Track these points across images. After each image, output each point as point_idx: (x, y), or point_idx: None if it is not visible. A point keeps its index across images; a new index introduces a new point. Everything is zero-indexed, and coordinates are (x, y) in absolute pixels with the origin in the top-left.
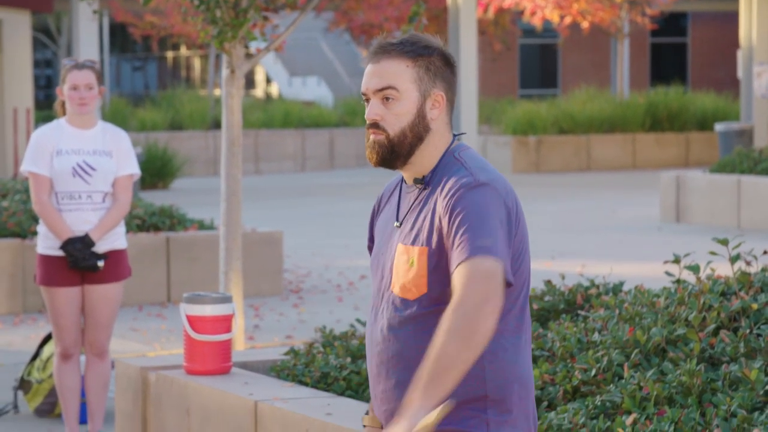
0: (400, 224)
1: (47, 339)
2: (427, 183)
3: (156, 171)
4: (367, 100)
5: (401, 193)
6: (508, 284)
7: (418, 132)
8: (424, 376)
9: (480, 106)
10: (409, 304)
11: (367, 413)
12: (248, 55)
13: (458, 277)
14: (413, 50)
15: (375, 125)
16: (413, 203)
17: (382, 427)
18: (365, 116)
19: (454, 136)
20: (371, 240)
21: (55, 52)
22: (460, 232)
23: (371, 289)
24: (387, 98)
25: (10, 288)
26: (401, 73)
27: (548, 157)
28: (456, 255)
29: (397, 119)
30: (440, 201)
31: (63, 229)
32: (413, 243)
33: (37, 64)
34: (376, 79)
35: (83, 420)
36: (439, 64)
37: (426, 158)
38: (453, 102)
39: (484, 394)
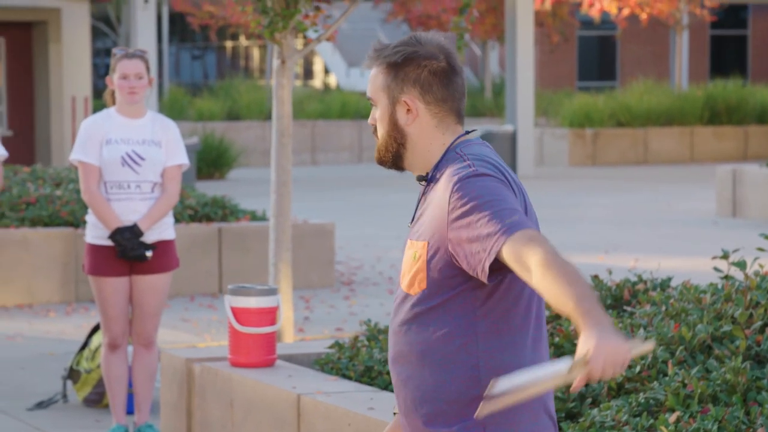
0: (412, 222)
1: (96, 329)
2: (429, 180)
3: (212, 161)
4: None
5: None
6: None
7: (395, 138)
8: (571, 303)
9: (538, 98)
10: (412, 300)
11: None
12: (306, 44)
13: (515, 255)
14: (385, 57)
15: (374, 129)
16: (420, 200)
17: None
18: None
19: (467, 132)
20: None
21: (114, 41)
22: (479, 223)
23: None
24: (373, 105)
25: (62, 277)
26: (375, 81)
27: (605, 149)
28: (489, 242)
29: (379, 126)
30: (441, 195)
31: (111, 218)
32: (417, 237)
33: (96, 53)
34: (367, 87)
35: (130, 410)
36: (410, 70)
37: (421, 160)
38: (444, 103)
39: (478, 394)
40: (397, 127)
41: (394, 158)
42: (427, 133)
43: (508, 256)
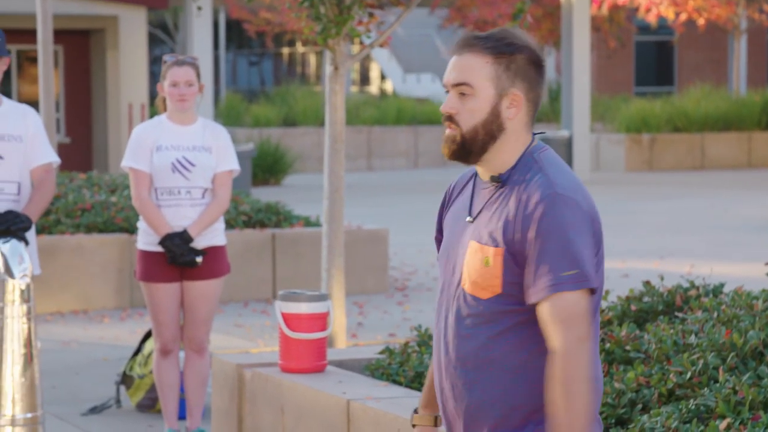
0: (474, 220)
1: (149, 334)
2: (504, 181)
3: (268, 167)
4: (448, 91)
5: (475, 188)
6: (593, 291)
7: (490, 130)
8: (557, 421)
9: (594, 104)
10: (482, 302)
11: (416, 411)
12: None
13: (548, 318)
14: (495, 47)
15: (450, 118)
16: (489, 200)
17: (435, 424)
18: (440, 108)
19: (534, 135)
20: (439, 231)
21: (172, 49)
22: (544, 255)
23: (439, 284)
24: (463, 93)
25: (117, 283)
26: (479, 70)
27: (662, 155)
28: (541, 282)
29: (470, 115)
30: (520, 209)
31: (162, 224)
32: (489, 242)
33: (154, 60)
34: (454, 73)
35: (182, 415)
36: (521, 63)
37: (500, 157)
38: (537, 103)
39: (544, 404)
40: (499, 119)
41: (477, 150)
42: (519, 130)
43: (544, 312)
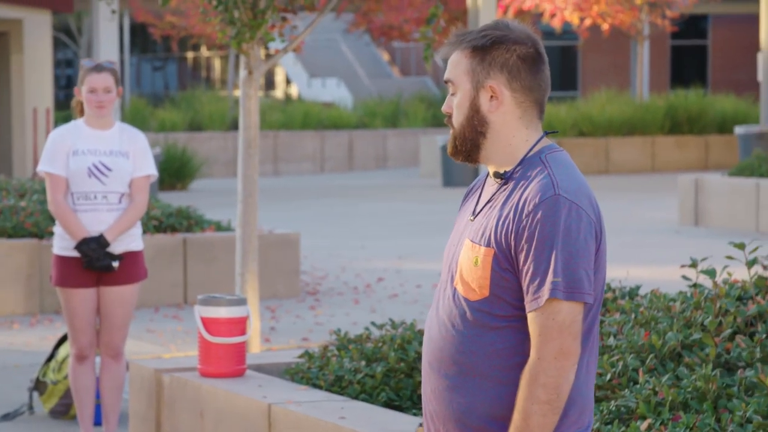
0: (474, 218)
1: (63, 340)
2: (507, 179)
3: (175, 172)
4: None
5: (484, 186)
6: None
7: (474, 126)
8: (518, 417)
9: None
10: (471, 304)
11: (420, 425)
12: (268, 56)
13: (534, 326)
14: (469, 41)
15: (448, 118)
16: (491, 198)
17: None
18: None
19: (545, 133)
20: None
21: (75, 53)
22: (537, 259)
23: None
24: (452, 93)
25: (27, 288)
26: (457, 65)
27: None
28: (531, 289)
29: (457, 112)
30: (518, 209)
31: (78, 229)
32: (480, 241)
33: (57, 64)
34: (446, 71)
35: (98, 422)
36: (498, 53)
37: (500, 154)
38: (528, 94)
39: None
40: (479, 113)
41: (470, 148)
42: (510, 123)
43: (530, 320)
